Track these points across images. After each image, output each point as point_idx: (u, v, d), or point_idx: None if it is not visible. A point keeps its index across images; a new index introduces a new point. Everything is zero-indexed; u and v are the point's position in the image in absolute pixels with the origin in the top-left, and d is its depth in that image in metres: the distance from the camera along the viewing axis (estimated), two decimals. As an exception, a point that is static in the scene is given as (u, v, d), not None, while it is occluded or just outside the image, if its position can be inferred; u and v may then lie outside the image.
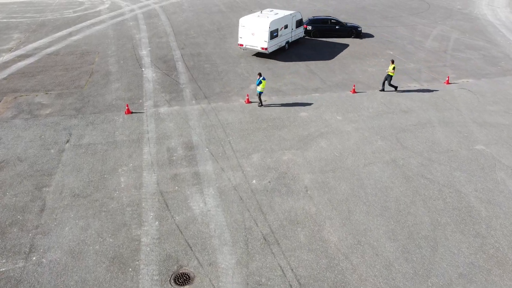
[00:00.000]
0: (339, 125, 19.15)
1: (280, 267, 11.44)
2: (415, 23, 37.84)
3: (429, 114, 20.22)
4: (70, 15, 40.68)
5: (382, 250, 12.03)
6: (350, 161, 16.35)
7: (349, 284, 10.90)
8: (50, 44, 31.02)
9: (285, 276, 11.16)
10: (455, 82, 24.21)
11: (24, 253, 11.82)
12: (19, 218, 13.16)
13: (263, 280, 11.02)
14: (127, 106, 20.14)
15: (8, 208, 13.58)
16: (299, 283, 10.93)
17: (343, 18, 39.61)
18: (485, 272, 11.34)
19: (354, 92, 22.65)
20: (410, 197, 14.26)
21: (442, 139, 17.99)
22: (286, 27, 28.35)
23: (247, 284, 10.91)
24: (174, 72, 25.38)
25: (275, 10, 29.30)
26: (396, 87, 22.64)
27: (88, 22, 37.66)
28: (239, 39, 27.22)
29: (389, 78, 22.22)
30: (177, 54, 28.81)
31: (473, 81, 24.39)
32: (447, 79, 24.14)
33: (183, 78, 24.52)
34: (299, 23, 30.61)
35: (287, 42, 29.38)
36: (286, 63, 27.08)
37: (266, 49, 26.50)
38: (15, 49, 29.85)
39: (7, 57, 28.18)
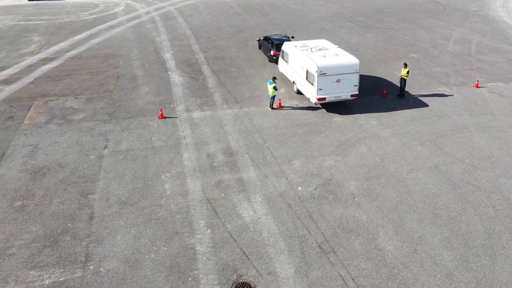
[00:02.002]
0: (375, 130, 19.05)
1: (341, 276, 11.35)
2: (434, 26, 37.74)
3: (464, 119, 20.11)
4: (86, 18, 40.64)
5: (440, 259, 11.94)
6: (393, 167, 16.25)
7: (413, 294, 10.82)
8: (71, 47, 30.96)
9: (347, 286, 11.07)
10: (484, 86, 24.10)
11: (81, 262, 11.74)
12: (69, 226, 13.08)
13: (325, 290, 10.94)
14: (161, 111, 20.07)
15: (57, 216, 13.51)
16: (363, 293, 10.85)
17: (360, 20, 39.53)
18: (547, 282, 11.25)
19: (385, 96, 22.55)
20: (460, 204, 14.15)
21: (481, 144, 17.89)
22: None
23: (310, 294, 10.84)
24: (201, 76, 25.30)
25: (304, 42, 23.33)
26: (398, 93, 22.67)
27: (106, 25, 37.61)
28: (318, 91, 19.79)
29: (403, 81, 22.13)
30: (200, 57, 28.73)
31: (503, 85, 24.28)
32: (476, 83, 24.04)
33: (211, 82, 24.43)
34: None
35: None
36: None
37: (356, 95, 20.74)
38: (37, 52, 29.80)
39: (30, 60, 28.14)
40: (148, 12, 42.74)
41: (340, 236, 12.76)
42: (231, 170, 16.00)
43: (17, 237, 12.59)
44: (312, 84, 20.11)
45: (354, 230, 13.03)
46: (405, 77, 21.99)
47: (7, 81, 24.37)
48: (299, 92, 22.60)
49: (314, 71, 19.70)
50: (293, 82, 22.89)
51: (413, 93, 22.99)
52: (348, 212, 13.80)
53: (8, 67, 26.82)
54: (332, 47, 22.02)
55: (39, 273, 11.36)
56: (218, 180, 15.36)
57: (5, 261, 11.74)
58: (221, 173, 15.81)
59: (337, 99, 20.36)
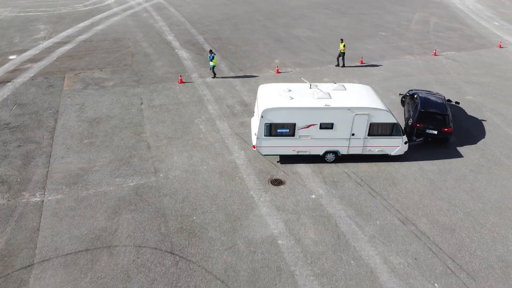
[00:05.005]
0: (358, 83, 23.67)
1: (345, 172, 15.79)
2: (398, 11, 43.12)
3: (426, 77, 25.11)
4: (82, 9, 43.44)
5: (425, 168, 16.58)
6: (374, 109, 20.87)
7: (396, 178, 15.41)
8: (79, 33, 34.04)
9: (350, 177, 15.52)
10: (441, 54, 29.31)
11: (152, 172, 15.61)
12: (134, 153, 16.88)
13: (335, 179, 15.35)
14: (180, 76, 23.92)
15: (121, 147, 17.26)
16: (362, 180, 15.33)
17: (335, 7, 44.40)
18: (487, 168, 16.12)
19: (362, 63, 27.28)
20: (425, 129, 18.94)
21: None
22: (331, 126, 15.50)
23: (325, 182, 15.21)
24: (205, 52, 29.21)
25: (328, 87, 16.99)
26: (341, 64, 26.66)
27: (104, 15, 40.66)
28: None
29: (342, 54, 26.58)
30: (200, 38, 32.60)
31: (455, 53, 29.59)
32: (434, 51, 29.20)
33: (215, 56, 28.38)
34: (391, 129, 15.66)
35: (330, 153, 16.18)
36: (299, 43, 31.42)
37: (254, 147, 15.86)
38: (49, 38, 32.74)
39: (46, 44, 31.12)
40: (139, 3, 45.96)
41: (341, 151, 17.20)
42: (249, 115, 20.15)
43: (96, 161, 16.29)
44: None
45: (350, 147, 17.50)
46: (343, 51, 26.30)
47: (33, 60, 27.45)
48: None
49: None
50: None
51: (385, 61, 27.84)
52: (344, 137, 18.24)
53: (27, 49, 29.76)
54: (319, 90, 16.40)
55: (123, 179, 15.17)
56: (241, 122, 19.49)
57: (93, 174, 15.45)
58: (241, 117, 19.94)
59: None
